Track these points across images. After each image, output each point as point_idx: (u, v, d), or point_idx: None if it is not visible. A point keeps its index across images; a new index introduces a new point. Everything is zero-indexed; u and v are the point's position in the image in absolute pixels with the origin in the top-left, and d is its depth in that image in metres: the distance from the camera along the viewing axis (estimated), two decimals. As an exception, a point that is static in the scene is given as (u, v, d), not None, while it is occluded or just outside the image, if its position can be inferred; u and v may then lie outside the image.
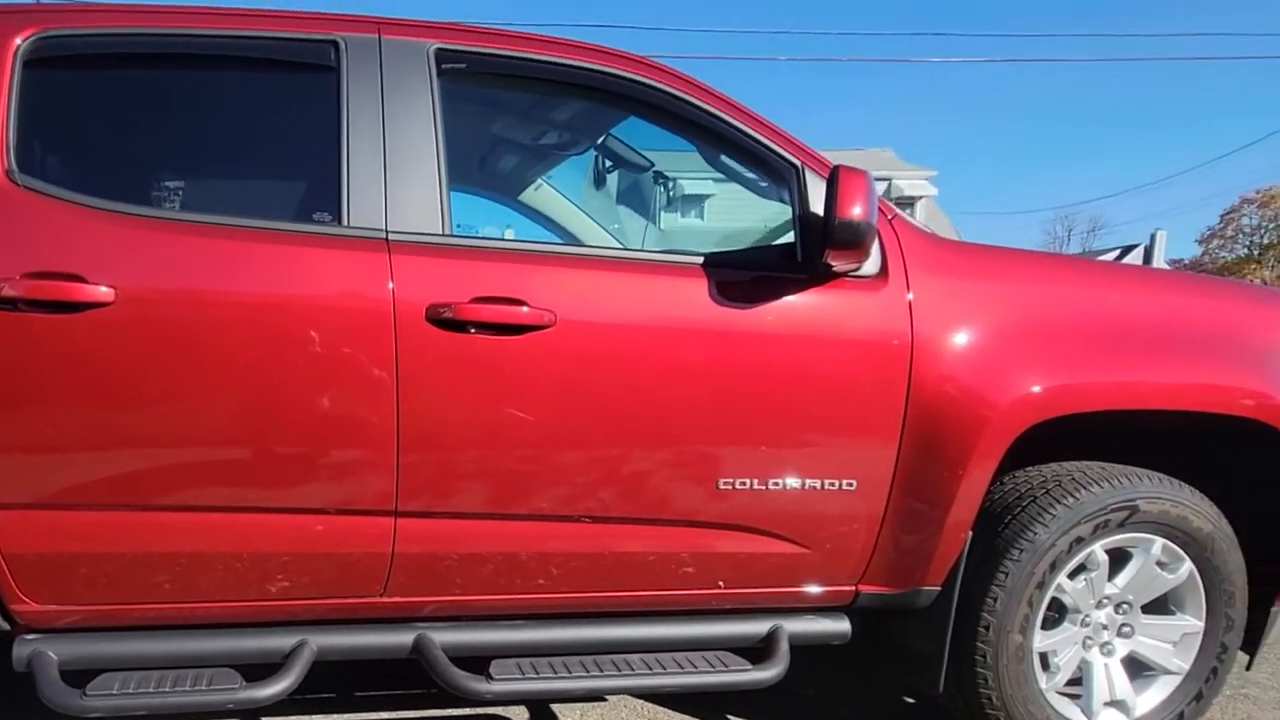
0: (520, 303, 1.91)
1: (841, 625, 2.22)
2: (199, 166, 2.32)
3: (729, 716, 2.58)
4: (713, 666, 2.08)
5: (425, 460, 1.91)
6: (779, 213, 2.36)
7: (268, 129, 2.24)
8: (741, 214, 2.48)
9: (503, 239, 2.40)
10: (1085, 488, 2.17)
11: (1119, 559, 2.26)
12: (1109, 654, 2.32)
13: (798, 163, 2.13)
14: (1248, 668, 2.55)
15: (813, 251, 2.02)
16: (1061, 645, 2.27)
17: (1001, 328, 2.14)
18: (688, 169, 2.43)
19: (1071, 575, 2.23)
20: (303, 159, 2.22)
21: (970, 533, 2.15)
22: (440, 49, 2.04)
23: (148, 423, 1.82)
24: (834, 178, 1.93)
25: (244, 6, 2.05)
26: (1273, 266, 44.75)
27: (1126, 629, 2.31)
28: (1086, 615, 2.28)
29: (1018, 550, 2.14)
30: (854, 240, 1.92)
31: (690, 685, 2.09)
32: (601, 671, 2.03)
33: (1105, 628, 2.30)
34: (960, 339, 2.10)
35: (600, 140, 2.97)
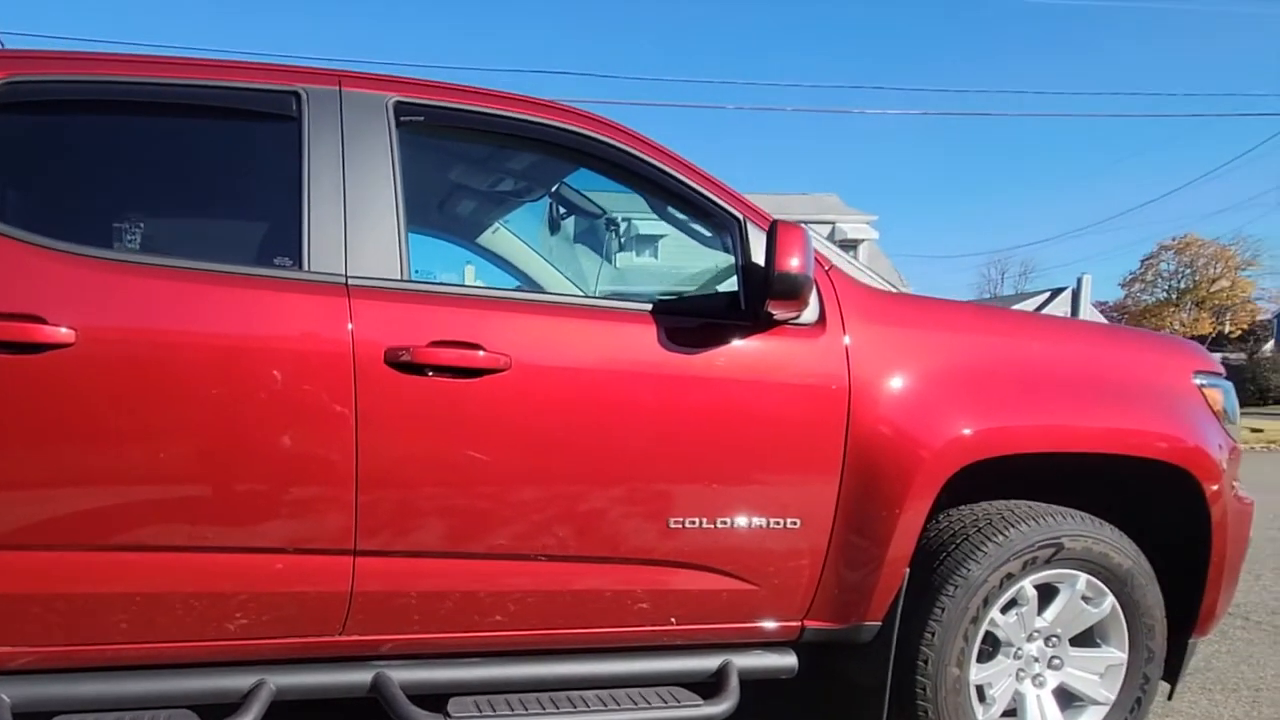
0: (476, 347, 1.97)
1: (788, 660, 2.29)
2: (163, 211, 2.35)
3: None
4: (665, 702, 2.12)
5: (384, 500, 1.94)
6: (726, 256, 2.47)
7: (231, 176, 2.29)
8: (693, 253, 2.58)
9: (460, 284, 2.45)
10: (1014, 526, 2.29)
11: (1047, 594, 2.38)
12: (1041, 685, 2.42)
13: (740, 216, 2.23)
14: (1169, 697, 2.68)
15: (754, 301, 2.11)
16: (996, 677, 2.36)
17: (934, 373, 2.26)
18: (641, 209, 2.52)
19: (1003, 610, 2.34)
20: (265, 205, 2.27)
21: (908, 569, 2.24)
22: (399, 102, 2.12)
23: (107, 463, 1.83)
24: (773, 232, 2.03)
25: (213, 57, 2.11)
26: (1189, 310, 46.79)
27: (1056, 661, 2.42)
28: (1019, 648, 2.38)
29: (953, 586, 2.24)
30: (792, 291, 2.03)
31: None
32: (558, 709, 2.05)
33: (1036, 660, 2.41)
34: (895, 384, 2.22)
35: (554, 188, 3.07)
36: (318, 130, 2.03)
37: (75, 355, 1.79)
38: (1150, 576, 2.42)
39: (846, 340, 2.21)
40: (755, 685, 2.29)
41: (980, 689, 2.34)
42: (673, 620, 2.16)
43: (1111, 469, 2.45)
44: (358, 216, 2.01)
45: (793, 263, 2.00)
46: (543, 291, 3.12)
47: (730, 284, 2.25)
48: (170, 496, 1.87)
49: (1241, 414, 2.83)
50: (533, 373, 2.01)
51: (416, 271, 2.11)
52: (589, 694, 2.11)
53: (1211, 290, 47.42)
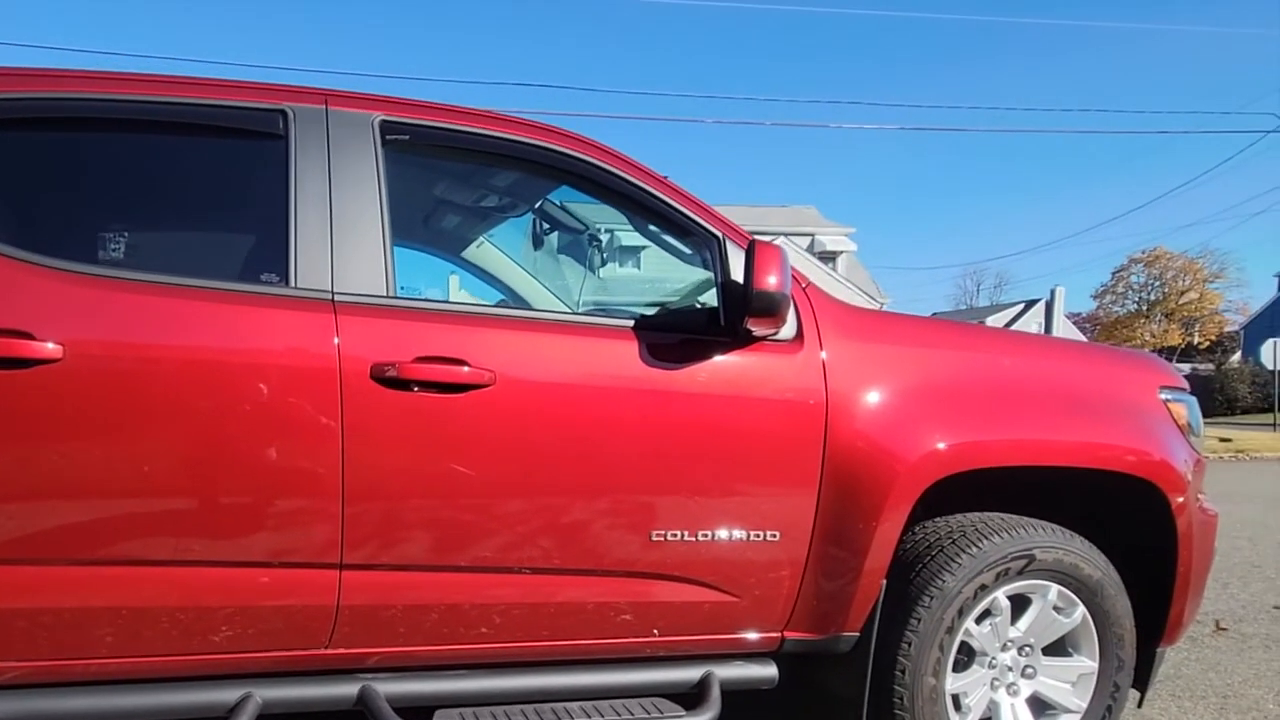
0: (461, 362, 2.00)
1: (769, 670, 2.32)
2: (151, 227, 2.36)
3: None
4: (648, 713, 2.15)
5: (370, 515, 1.96)
6: (707, 271, 2.50)
7: (218, 192, 2.30)
8: (675, 265, 2.62)
9: (445, 301, 2.48)
10: (987, 538, 2.34)
11: (1020, 604, 2.44)
12: (1014, 694, 2.47)
13: (719, 234, 2.28)
14: (1139, 705, 2.75)
15: (734, 317, 2.16)
16: (971, 687, 2.41)
17: (909, 388, 2.32)
18: (624, 221, 2.56)
19: (978, 620, 2.39)
20: (252, 222, 2.28)
21: (885, 580, 2.28)
22: (385, 120, 2.14)
23: (95, 478, 1.84)
24: (751, 251, 2.08)
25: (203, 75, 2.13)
26: (1159, 321, 47.66)
27: (1029, 670, 2.47)
28: (993, 658, 2.43)
29: (928, 597, 2.29)
30: (770, 308, 2.07)
31: None
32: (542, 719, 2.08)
33: (1010, 669, 2.46)
34: (872, 398, 2.27)
35: (538, 204, 3.11)
36: (304, 148, 2.06)
37: (63, 370, 1.80)
38: (1119, 587, 2.48)
39: (824, 356, 2.26)
40: (736, 696, 2.32)
41: (956, 698, 2.39)
42: (655, 631, 2.19)
43: (1081, 482, 2.51)
44: (344, 233, 2.03)
45: (771, 281, 2.05)
46: (526, 305, 3.16)
47: (711, 296, 2.29)
48: (157, 511, 1.88)
49: (1210, 424, 2.92)
50: (517, 388, 2.04)
51: (402, 287, 2.13)
52: (573, 705, 2.13)
53: (1180, 302, 48.29)
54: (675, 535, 2.15)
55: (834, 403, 2.23)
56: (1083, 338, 40.23)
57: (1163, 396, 2.62)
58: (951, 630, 2.33)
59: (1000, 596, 2.38)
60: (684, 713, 2.17)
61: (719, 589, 2.21)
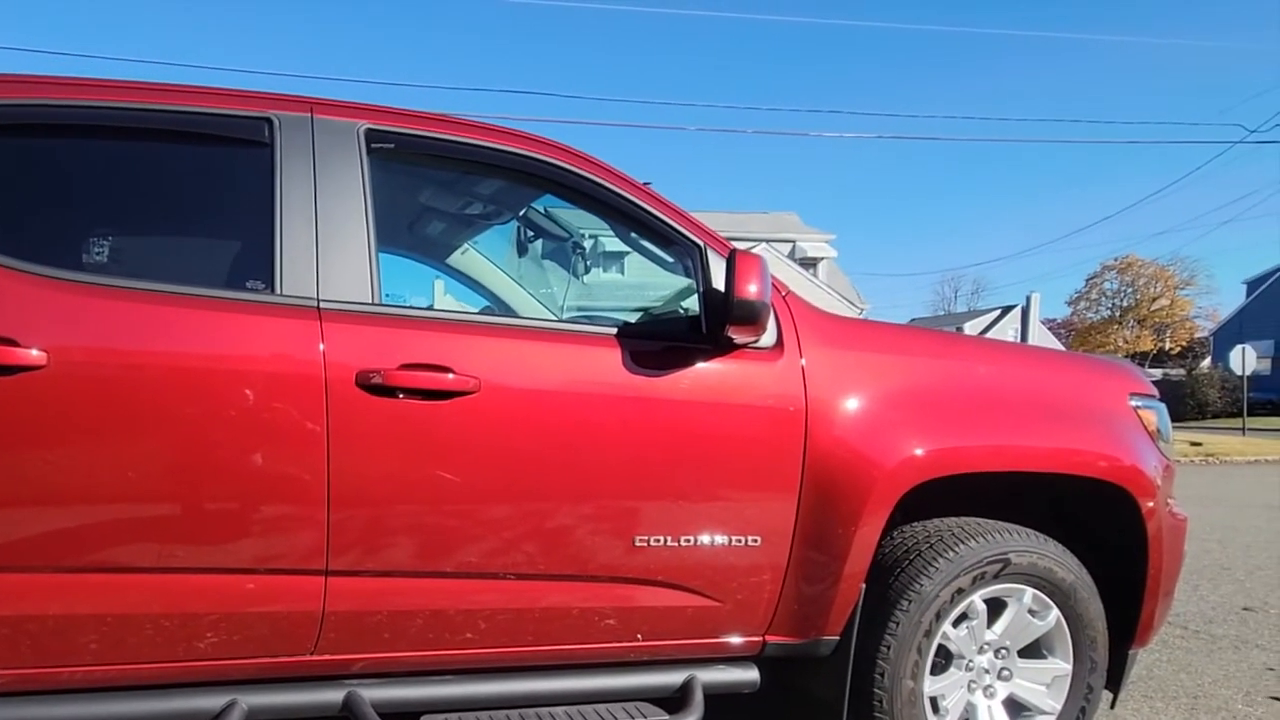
0: (446, 369, 2.01)
1: (751, 674, 2.35)
2: (136, 234, 2.36)
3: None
4: (631, 717, 2.17)
5: (355, 521, 1.97)
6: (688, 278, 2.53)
7: (204, 200, 2.30)
8: (659, 270, 2.65)
9: (430, 308, 2.49)
10: (964, 542, 2.39)
11: (996, 608, 2.48)
12: (991, 696, 2.51)
13: (700, 243, 2.31)
14: (1112, 706, 2.80)
15: (715, 325, 2.18)
16: (949, 689, 2.45)
17: (887, 395, 2.36)
18: (607, 227, 2.59)
19: (955, 624, 2.43)
20: (238, 229, 2.29)
21: (864, 585, 2.32)
22: (370, 129, 2.16)
23: (79, 484, 1.83)
24: (731, 260, 2.12)
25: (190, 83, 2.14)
26: (1132, 327, 48.47)
27: (1006, 673, 2.51)
28: (970, 660, 2.47)
29: (907, 601, 2.33)
30: (751, 317, 2.10)
31: None
32: None
33: (987, 672, 2.50)
34: (850, 405, 2.31)
35: (522, 212, 3.13)
36: (290, 156, 2.07)
37: (47, 377, 1.80)
38: (1092, 590, 2.53)
39: (803, 363, 2.29)
40: (719, 700, 2.35)
41: (934, 700, 2.43)
42: (639, 636, 2.21)
43: (1055, 487, 2.57)
44: (329, 241, 2.04)
45: (751, 289, 2.08)
46: (511, 311, 3.18)
47: (694, 302, 2.31)
48: (143, 517, 1.88)
49: (1180, 428, 2.99)
50: (501, 395, 2.06)
51: (388, 295, 2.14)
52: (558, 710, 2.15)
53: (1152, 309, 49.09)
54: (658, 541, 2.17)
55: (813, 409, 2.26)
56: (1058, 344, 40.75)
57: (1133, 403, 2.68)
58: (929, 633, 2.37)
59: (977, 600, 2.43)
60: (667, 717, 2.19)
61: (701, 594, 2.23)
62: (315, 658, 2.00)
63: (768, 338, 2.26)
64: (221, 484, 1.90)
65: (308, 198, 2.05)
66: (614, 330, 2.20)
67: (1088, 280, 51.87)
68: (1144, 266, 49.25)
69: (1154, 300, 49.03)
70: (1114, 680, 2.66)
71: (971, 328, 40.14)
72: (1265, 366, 35.25)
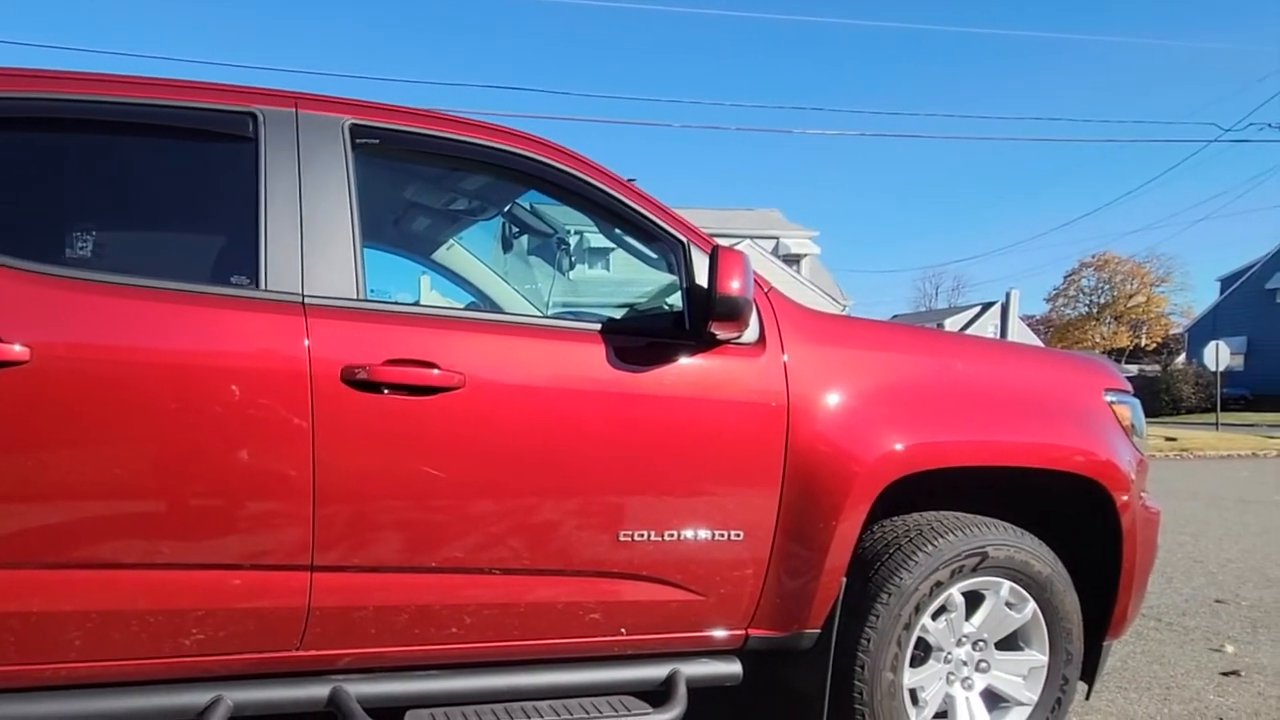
0: (431, 365, 2.02)
1: (734, 667, 2.37)
2: (120, 229, 2.33)
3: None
4: (616, 711, 2.19)
5: (341, 517, 1.97)
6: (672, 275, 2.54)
7: (188, 194, 2.28)
8: (643, 266, 2.67)
9: (415, 304, 2.49)
10: (942, 536, 2.42)
11: (974, 601, 2.52)
12: (969, 688, 2.55)
13: (683, 239, 2.32)
14: (1087, 697, 2.85)
15: (698, 321, 2.20)
16: (928, 681, 2.49)
17: (868, 391, 2.39)
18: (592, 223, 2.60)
19: (934, 616, 2.46)
20: (222, 224, 2.28)
21: (845, 578, 2.35)
22: (355, 124, 2.16)
23: (62, 481, 1.83)
24: (714, 256, 2.13)
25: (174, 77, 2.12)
26: (1109, 323, 49.10)
27: (983, 664, 2.55)
28: (949, 653, 2.51)
29: (886, 594, 2.36)
30: (733, 313, 2.13)
31: None
32: (512, 719, 2.11)
33: (965, 664, 2.54)
34: (831, 401, 2.34)
35: (507, 208, 3.13)
36: (275, 151, 2.06)
37: (30, 373, 1.79)
38: (1067, 583, 2.58)
39: (785, 359, 2.31)
40: (701, 693, 2.37)
41: (913, 692, 2.46)
42: (623, 630, 2.23)
43: (1031, 481, 2.61)
44: (314, 236, 2.04)
45: (733, 285, 2.10)
46: (497, 307, 3.18)
47: (678, 298, 2.33)
48: (127, 514, 1.87)
49: (1155, 423, 3.05)
50: (486, 391, 2.07)
51: (373, 290, 2.15)
52: (543, 704, 2.16)
53: (1129, 305, 49.69)
54: (642, 535, 2.19)
55: (795, 405, 2.29)
56: (1037, 340, 41.13)
57: (1108, 399, 2.73)
58: (909, 626, 2.40)
59: (955, 593, 2.46)
60: (651, 710, 2.21)
61: (685, 588, 2.25)
62: (301, 653, 2.00)
63: (750, 334, 2.28)
64: (206, 480, 1.89)
65: (292, 193, 2.05)
66: (598, 326, 2.22)
67: (1066, 277, 52.47)
68: (1121, 263, 49.85)
69: (1130, 297, 49.64)
70: (1089, 671, 2.71)
71: (952, 324, 40.45)
72: (1238, 363, 35.82)
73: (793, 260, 36.62)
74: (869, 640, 2.36)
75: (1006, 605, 2.53)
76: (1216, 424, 24.90)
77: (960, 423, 2.49)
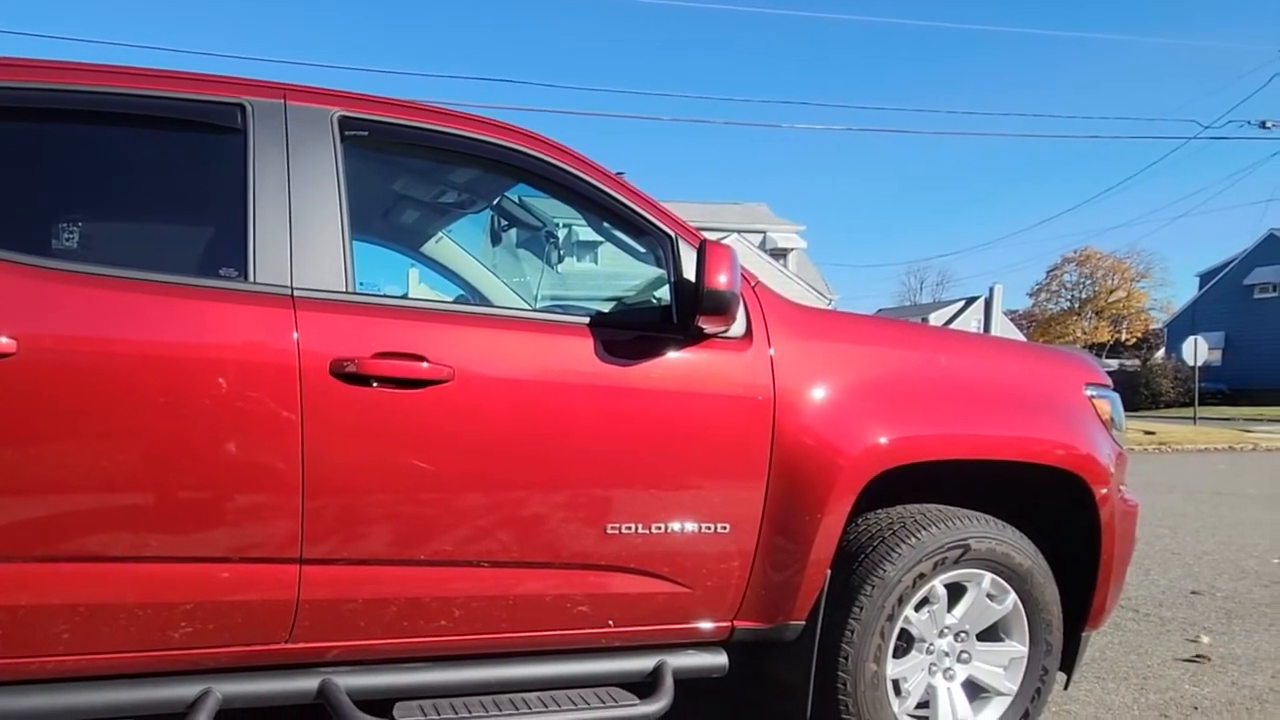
0: (420, 358, 2.02)
1: (720, 659, 2.39)
2: (107, 221, 2.33)
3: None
4: (603, 702, 2.20)
5: (329, 510, 1.97)
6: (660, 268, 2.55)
7: (176, 186, 2.27)
8: (632, 260, 2.68)
9: (404, 297, 2.49)
10: (925, 528, 2.45)
11: (956, 592, 2.55)
12: (951, 678, 2.59)
13: (671, 233, 2.33)
14: (1065, 686, 2.90)
15: (685, 315, 2.22)
16: (911, 672, 2.52)
17: (853, 385, 2.41)
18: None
19: (916, 608, 2.50)
20: (211, 216, 2.27)
21: (829, 571, 2.37)
22: (344, 116, 2.15)
23: (49, 473, 1.82)
24: (702, 251, 2.15)
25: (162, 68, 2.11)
26: (1090, 318, 49.57)
27: (965, 655, 2.59)
28: (931, 644, 2.55)
29: (870, 586, 2.39)
30: (721, 306, 2.14)
31: None
32: (500, 711, 2.11)
33: (947, 655, 2.57)
34: (817, 394, 2.36)
35: (496, 201, 3.13)
36: (263, 143, 2.06)
37: (16, 365, 1.78)
38: (1047, 574, 2.62)
39: (772, 353, 2.33)
40: (688, 684, 2.39)
41: (896, 683, 2.49)
42: (611, 622, 2.25)
43: (1013, 475, 2.64)
44: (303, 228, 2.04)
45: (721, 279, 2.11)
46: (485, 300, 3.18)
47: (666, 292, 2.34)
48: (115, 506, 1.87)
49: (1134, 417, 3.09)
50: (475, 384, 2.07)
51: (362, 283, 2.14)
52: (531, 696, 2.17)
53: (1110, 300, 50.14)
54: (630, 528, 2.21)
55: (781, 399, 2.31)
56: (1020, 335, 41.46)
57: (1088, 393, 2.77)
58: (892, 618, 2.43)
59: (938, 585, 2.50)
60: (638, 701, 2.23)
61: (672, 580, 2.27)
62: (290, 646, 2.01)
63: (737, 328, 2.30)
64: (195, 473, 1.89)
65: (281, 184, 2.04)
66: (587, 320, 2.23)
67: (1048, 272, 52.89)
68: (1102, 259, 50.28)
69: (1111, 292, 50.09)
70: (1068, 661, 2.76)
71: (936, 318, 40.67)
72: (1216, 357, 36.24)
73: (780, 254, 36.72)
74: (853, 632, 2.38)
75: (988, 597, 2.57)
76: (1194, 418, 25.20)
77: (943, 417, 2.52)
